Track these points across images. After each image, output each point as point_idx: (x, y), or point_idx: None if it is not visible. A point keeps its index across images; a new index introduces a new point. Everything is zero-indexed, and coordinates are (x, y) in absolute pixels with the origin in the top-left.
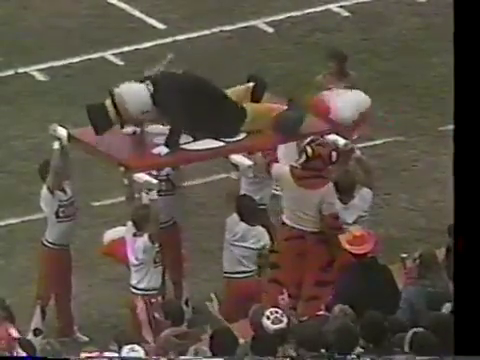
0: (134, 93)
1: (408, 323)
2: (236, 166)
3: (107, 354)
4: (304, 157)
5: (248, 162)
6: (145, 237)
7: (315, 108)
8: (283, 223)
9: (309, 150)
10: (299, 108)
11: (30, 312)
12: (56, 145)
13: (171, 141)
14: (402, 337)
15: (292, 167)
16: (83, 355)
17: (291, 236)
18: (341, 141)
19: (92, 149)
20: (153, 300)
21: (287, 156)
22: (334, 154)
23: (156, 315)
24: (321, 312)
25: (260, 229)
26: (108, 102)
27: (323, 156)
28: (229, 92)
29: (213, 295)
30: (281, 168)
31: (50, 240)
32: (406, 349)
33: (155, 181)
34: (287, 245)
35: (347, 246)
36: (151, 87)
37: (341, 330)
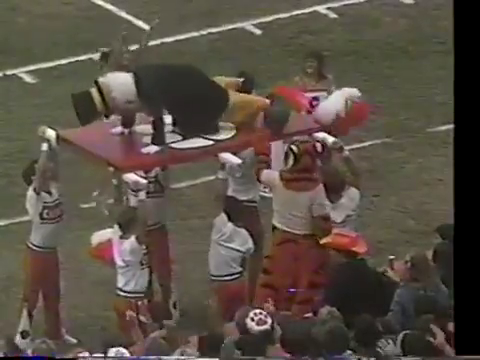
0: (120, 82)
1: (399, 326)
2: (223, 165)
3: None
4: (292, 158)
5: (237, 160)
6: (132, 238)
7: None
8: (275, 227)
9: (295, 148)
10: (284, 103)
11: (19, 314)
12: (44, 147)
13: (157, 137)
14: (393, 339)
15: (282, 172)
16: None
17: (284, 240)
18: (330, 139)
19: (81, 150)
20: (139, 302)
21: (279, 157)
22: (318, 145)
23: (142, 318)
24: (308, 314)
25: (245, 232)
26: (94, 91)
27: (310, 151)
28: (218, 78)
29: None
30: (271, 174)
31: (35, 243)
32: (397, 351)
33: (144, 181)
34: (280, 249)
35: (352, 247)
36: (135, 77)
37: (333, 332)
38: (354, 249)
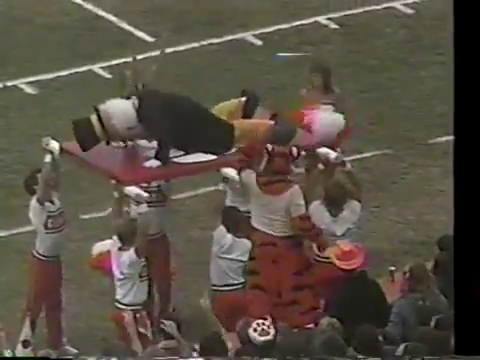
0: (120, 109)
1: (399, 337)
2: (226, 178)
3: None
4: (266, 158)
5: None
6: (131, 251)
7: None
8: (254, 229)
9: (269, 147)
10: (289, 122)
11: (19, 324)
12: (48, 158)
13: (162, 155)
14: (393, 350)
15: (258, 175)
16: None
17: (263, 242)
18: (332, 154)
19: (84, 162)
20: (138, 315)
21: None
22: (294, 149)
23: (141, 330)
24: (310, 325)
25: (246, 242)
26: (94, 118)
27: (284, 153)
28: (221, 105)
29: (206, 293)
30: (249, 176)
31: (41, 252)
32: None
33: (146, 194)
34: (260, 251)
35: (336, 261)
36: (136, 103)
37: (327, 342)
38: (344, 267)
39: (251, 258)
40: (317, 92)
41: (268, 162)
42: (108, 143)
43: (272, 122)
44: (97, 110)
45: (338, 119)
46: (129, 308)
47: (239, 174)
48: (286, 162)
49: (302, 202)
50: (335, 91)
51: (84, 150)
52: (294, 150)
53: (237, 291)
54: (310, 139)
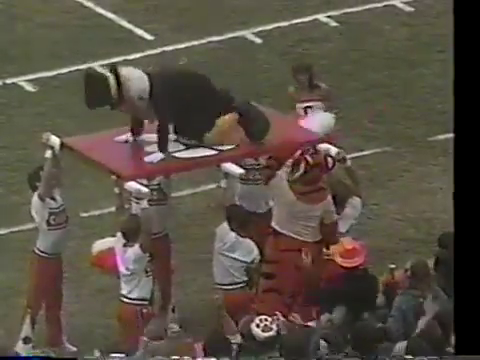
0: (138, 76)
1: (399, 332)
2: (226, 174)
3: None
4: (302, 168)
5: (239, 170)
6: (136, 247)
7: None
8: (279, 233)
9: (309, 159)
10: (261, 115)
11: (18, 323)
12: (48, 154)
13: (162, 144)
14: (391, 348)
15: (291, 183)
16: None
17: (289, 247)
18: (333, 150)
19: (85, 157)
20: (144, 310)
21: None
22: (330, 160)
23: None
24: (311, 323)
25: (249, 242)
26: (111, 77)
27: (321, 163)
28: (216, 130)
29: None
30: (280, 181)
31: (42, 249)
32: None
33: (145, 190)
34: (285, 256)
35: (339, 259)
36: (150, 80)
37: (325, 340)
38: (346, 265)
39: (268, 261)
40: (304, 90)
41: (304, 173)
42: (113, 107)
43: (235, 116)
44: (116, 70)
45: (328, 119)
46: (136, 303)
47: (267, 182)
48: (322, 171)
49: (333, 209)
50: (321, 86)
51: (90, 106)
52: (330, 161)
53: (240, 290)
54: (296, 134)
